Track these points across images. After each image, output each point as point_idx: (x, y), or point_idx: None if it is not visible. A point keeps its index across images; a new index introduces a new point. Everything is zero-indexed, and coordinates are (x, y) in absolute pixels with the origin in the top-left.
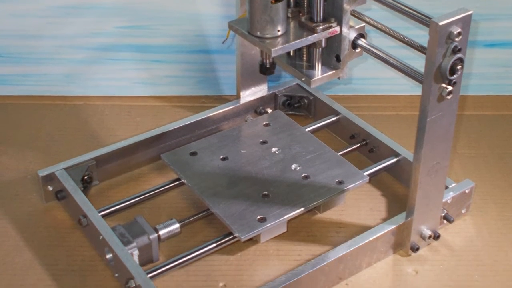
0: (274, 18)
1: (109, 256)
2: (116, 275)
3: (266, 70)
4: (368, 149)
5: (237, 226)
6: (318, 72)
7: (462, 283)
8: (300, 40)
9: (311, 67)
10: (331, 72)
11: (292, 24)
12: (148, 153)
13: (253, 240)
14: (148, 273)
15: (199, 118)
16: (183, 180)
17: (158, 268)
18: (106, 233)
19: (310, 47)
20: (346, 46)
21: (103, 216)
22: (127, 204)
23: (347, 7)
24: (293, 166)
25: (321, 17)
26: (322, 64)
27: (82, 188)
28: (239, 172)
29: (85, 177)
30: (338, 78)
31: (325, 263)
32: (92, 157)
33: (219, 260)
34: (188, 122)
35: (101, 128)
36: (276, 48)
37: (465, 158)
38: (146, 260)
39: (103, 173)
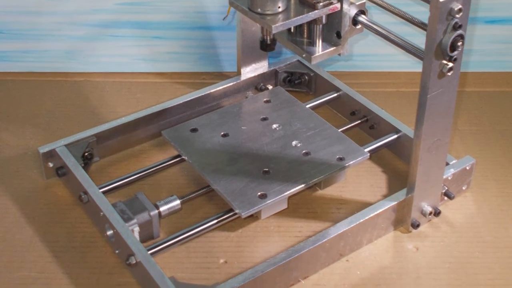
0: None
1: (109, 232)
2: (117, 251)
3: (266, 46)
4: (368, 125)
5: (237, 203)
6: (319, 48)
7: (462, 259)
8: (301, 16)
9: (312, 43)
10: (332, 48)
11: (292, 0)
12: (148, 130)
13: (254, 217)
14: (148, 250)
15: (199, 95)
16: (183, 157)
17: (159, 245)
18: (107, 209)
19: (311, 23)
20: (346, 22)
21: (103, 192)
22: (127, 181)
23: None
24: (294, 143)
25: None
26: (322, 41)
27: (83, 165)
28: (240, 148)
29: (86, 154)
30: (339, 54)
31: (325, 239)
32: (92, 134)
33: (220, 237)
34: (189, 99)
35: (101, 104)
36: (277, 24)
37: (465, 134)
38: (147, 236)
39: (104, 149)
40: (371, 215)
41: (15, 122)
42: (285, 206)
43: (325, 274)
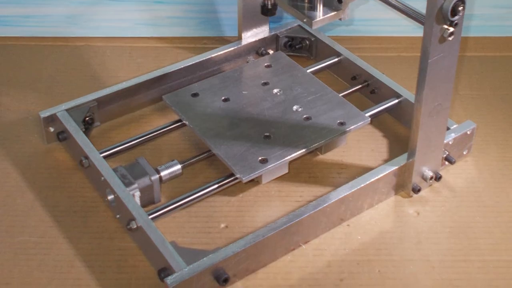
0: None
1: (110, 197)
2: (118, 216)
3: (267, 11)
4: (369, 90)
5: (238, 167)
6: (320, 13)
7: (463, 224)
8: None
9: (313, 8)
10: (333, 13)
11: None
12: (149, 94)
13: (255, 181)
14: (149, 214)
15: (200, 59)
16: (184, 122)
17: (160, 210)
18: (108, 174)
19: None
20: None
21: (104, 157)
22: (128, 145)
23: None
24: (295, 107)
25: None
26: (323, 6)
27: (84, 130)
28: (241, 113)
29: (87, 118)
30: (340, 19)
31: (326, 204)
32: (93, 98)
33: (221, 201)
34: (190, 64)
35: (102, 69)
36: None
37: (466, 99)
38: (148, 201)
39: (105, 114)
40: (372, 179)
41: (16, 87)
42: (286, 170)
43: (326, 238)
